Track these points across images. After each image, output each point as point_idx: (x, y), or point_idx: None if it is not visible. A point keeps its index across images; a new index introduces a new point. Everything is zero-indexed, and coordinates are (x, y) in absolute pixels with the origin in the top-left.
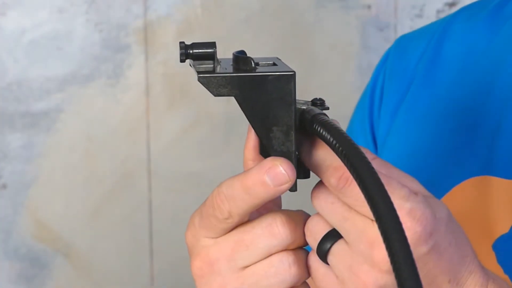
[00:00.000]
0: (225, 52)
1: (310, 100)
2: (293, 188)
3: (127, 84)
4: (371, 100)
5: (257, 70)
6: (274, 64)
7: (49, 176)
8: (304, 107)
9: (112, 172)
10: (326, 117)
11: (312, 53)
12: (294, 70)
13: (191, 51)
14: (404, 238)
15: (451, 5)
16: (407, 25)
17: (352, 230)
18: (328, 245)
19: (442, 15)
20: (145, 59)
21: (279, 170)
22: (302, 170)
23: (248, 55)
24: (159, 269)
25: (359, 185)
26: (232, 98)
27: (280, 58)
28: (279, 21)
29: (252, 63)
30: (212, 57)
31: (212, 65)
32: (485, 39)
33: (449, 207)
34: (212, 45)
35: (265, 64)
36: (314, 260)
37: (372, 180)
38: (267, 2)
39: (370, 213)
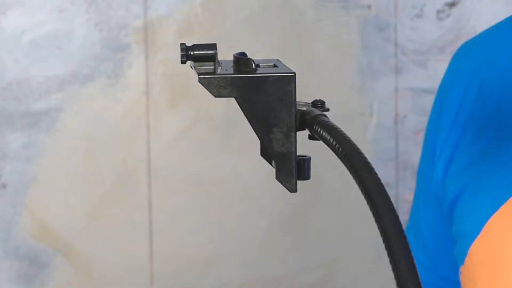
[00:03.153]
0: (225, 52)
1: (310, 101)
2: (293, 189)
3: (127, 84)
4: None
5: (257, 72)
6: (275, 66)
7: (49, 176)
8: (305, 109)
9: (112, 172)
10: (327, 118)
11: (312, 53)
12: (294, 70)
13: (191, 53)
14: (404, 238)
15: (451, 5)
16: (407, 25)
17: None
18: None
19: (442, 15)
20: (145, 59)
21: None
22: (302, 171)
23: (248, 56)
24: (159, 269)
25: (358, 186)
26: (232, 98)
27: (280, 59)
28: (279, 21)
29: (253, 64)
30: (213, 58)
31: (213, 67)
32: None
33: (507, 218)
34: (213, 46)
35: (266, 65)
36: None
37: (371, 181)
38: (267, 2)
39: None
